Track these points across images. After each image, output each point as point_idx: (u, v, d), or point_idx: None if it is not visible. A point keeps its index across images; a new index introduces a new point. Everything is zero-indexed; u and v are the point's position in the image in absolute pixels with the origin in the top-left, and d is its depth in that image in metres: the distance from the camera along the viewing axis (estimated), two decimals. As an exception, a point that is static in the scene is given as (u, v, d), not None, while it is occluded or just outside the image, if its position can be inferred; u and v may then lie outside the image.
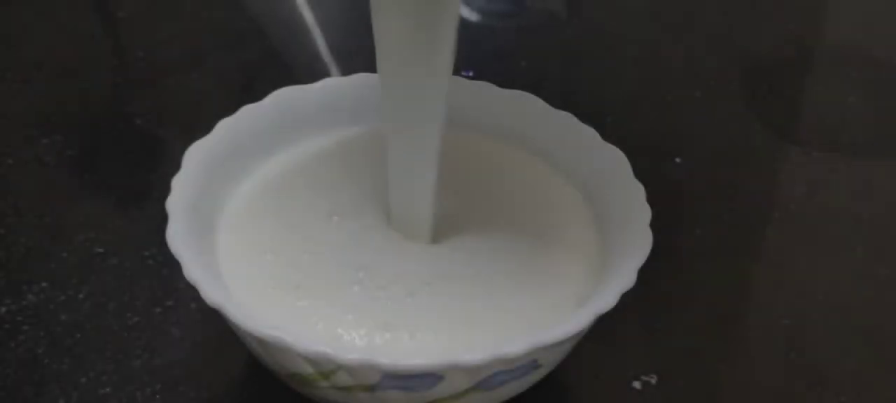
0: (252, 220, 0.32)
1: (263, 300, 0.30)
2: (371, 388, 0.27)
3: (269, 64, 0.51)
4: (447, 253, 0.32)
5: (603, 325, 0.28)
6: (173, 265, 0.28)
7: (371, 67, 0.35)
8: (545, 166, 0.35)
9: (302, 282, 0.30)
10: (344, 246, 0.32)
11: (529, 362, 0.27)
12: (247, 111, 0.34)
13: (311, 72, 0.50)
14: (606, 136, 0.34)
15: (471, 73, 0.47)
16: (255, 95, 0.34)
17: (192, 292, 0.27)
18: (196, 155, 0.32)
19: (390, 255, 0.31)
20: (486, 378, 0.27)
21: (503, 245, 0.32)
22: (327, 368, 0.26)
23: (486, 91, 0.36)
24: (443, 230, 0.32)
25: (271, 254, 0.31)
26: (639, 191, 0.31)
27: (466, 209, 0.33)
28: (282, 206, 0.33)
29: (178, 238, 0.28)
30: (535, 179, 0.34)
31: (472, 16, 0.56)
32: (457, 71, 0.37)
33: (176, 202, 0.30)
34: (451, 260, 0.31)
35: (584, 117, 0.35)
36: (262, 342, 0.26)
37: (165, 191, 0.30)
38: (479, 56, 0.53)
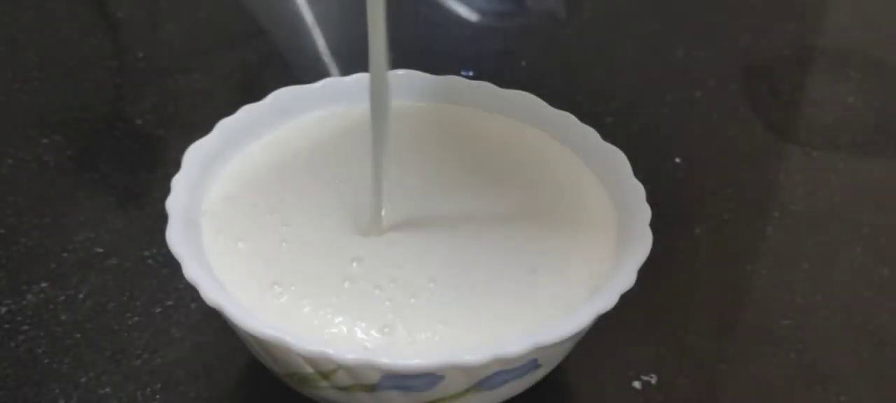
0: (229, 203, 0.32)
1: (241, 294, 0.29)
2: (371, 388, 0.27)
3: (269, 64, 0.51)
4: (452, 243, 0.31)
5: (603, 325, 0.28)
6: (173, 265, 0.28)
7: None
8: (573, 156, 0.34)
9: (281, 278, 0.29)
10: (333, 235, 0.31)
11: (529, 362, 0.27)
12: (246, 111, 0.34)
13: (311, 71, 0.50)
14: (606, 136, 0.34)
15: (471, 73, 0.47)
16: (255, 95, 0.34)
17: (191, 292, 0.27)
18: (196, 155, 0.32)
19: (388, 246, 0.31)
20: (486, 378, 0.27)
21: (519, 238, 0.31)
22: (327, 368, 0.26)
23: (486, 90, 0.36)
24: (455, 218, 0.32)
25: (243, 242, 0.30)
26: (639, 191, 0.31)
27: (480, 193, 0.33)
28: (262, 189, 0.32)
29: (177, 238, 0.28)
30: (559, 168, 0.34)
31: (471, 16, 0.56)
32: (457, 70, 0.37)
33: (175, 202, 0.30)
34: (457, 254, 0.30)
35: (584, 117, 0.35)
36: (261, 341, 0.26)
37: (165, 190, 0.30)
38: (479, 56, 0.53)
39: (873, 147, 0.47)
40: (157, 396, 0.32)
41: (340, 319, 0.28)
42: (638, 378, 0.33)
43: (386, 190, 0.31)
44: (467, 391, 0.27)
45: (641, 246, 0.29)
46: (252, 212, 0.31)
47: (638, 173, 0.32)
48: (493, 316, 0.29)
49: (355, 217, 0.32)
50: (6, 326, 0.34)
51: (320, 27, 0.54)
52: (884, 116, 0.50)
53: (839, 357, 0.35)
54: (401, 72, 0.36)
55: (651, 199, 0.31)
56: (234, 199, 0.32)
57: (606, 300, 0.27)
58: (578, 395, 0.33)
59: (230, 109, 0.34)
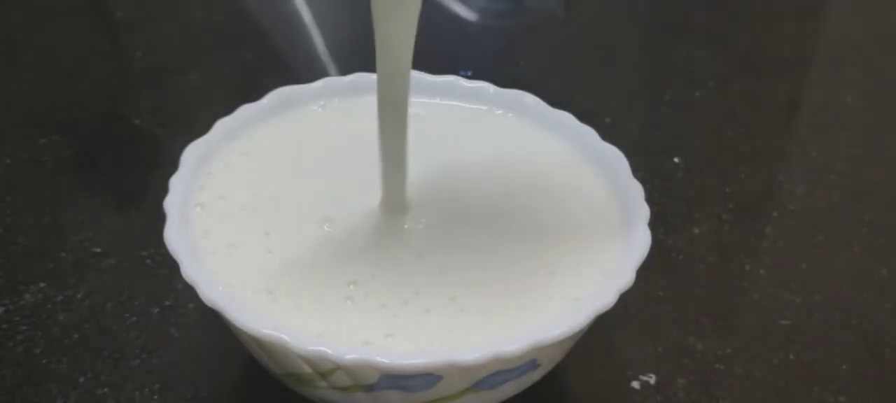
0: (221, 203, 0.31)
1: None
2: (369, 388, 0.27)
3: (268, 64, 0.51)
4: (467, 254, 0.30)
5: (602, 325, 0.28)
6: (171, 265, 0.28)
7: (369, 66, 0.36)
8: (573, 157, 0.34)
9: (274, 287, 0.29)
10: (328, 249, 0.30)
11: (528, 362, 0.27)
12: (245, 110, 0.34)
13: (310, 71, 0.50)
14: (606, 136, 0.34)
15: (469, 73, 0.47)
16: (254, 95, 0.34)
17: (190, 292, 0.27)
18: (194, 155, 0.32)
19: (392, 263, 0.30)
20: (485, 378, 0.27)
21: (532, 241, 0.31)
22: (325, 368, 0.26)
23: (485, 90, 0.36)
24: (461, 223, 0.31)
25: (233, 247, 0.30)
26: (638, 190, 0.31)
27: (482, 195, 0.33)
28: (254, 189, 0.32)
29: (175, 238, 0.28)
30: (559, 169, 0.34)
31: (471, 15, 0.56)
32: (456, 70, 0.37)
33: (174, 202, 0.29)
34: (474, 265, 0.30)
35: (584, 117, 0.35)
36: (260, 342, 0.26)
37: (163, 190, 0.30)
38: (478, 56, 0.53)
39: (872, 147, 0.47)
40: (155, 396, 0.32)
41: (338, 325, 0.28)
42: (636, 379, 0.33)
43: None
44: (466, 391, 0.27)
45: (640, 245, 0.29)
46: (240, 214, 0.31)
47: (637, 173, 0.32)
48: (511, 321, 0.28)
49: (356, 220, 0.31)
50: (4, 326, 0.34)
51: (318, 27, 0.54)
52: (883, 116, 0.50)
53: (838, 357, 0.35)
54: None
55: (650, 199, 0.31)
56: (226, 199, 0.31)
57: (605, 299, 0.27)
58: (577, 395, 0.33)
59: (228, 109, 0.34)
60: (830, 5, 0.63)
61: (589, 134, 0.34)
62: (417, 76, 0.36)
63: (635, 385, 0.33)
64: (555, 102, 0.35)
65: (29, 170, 0.41)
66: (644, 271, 0.29)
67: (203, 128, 0.33)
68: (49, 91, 0.47)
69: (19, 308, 0.35)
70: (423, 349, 0.27)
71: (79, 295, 0.35)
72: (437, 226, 0.31)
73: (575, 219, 0.32)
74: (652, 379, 0.33)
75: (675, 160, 0.44)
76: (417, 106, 0.36)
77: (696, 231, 0.40)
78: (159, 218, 0.29)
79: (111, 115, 0.46)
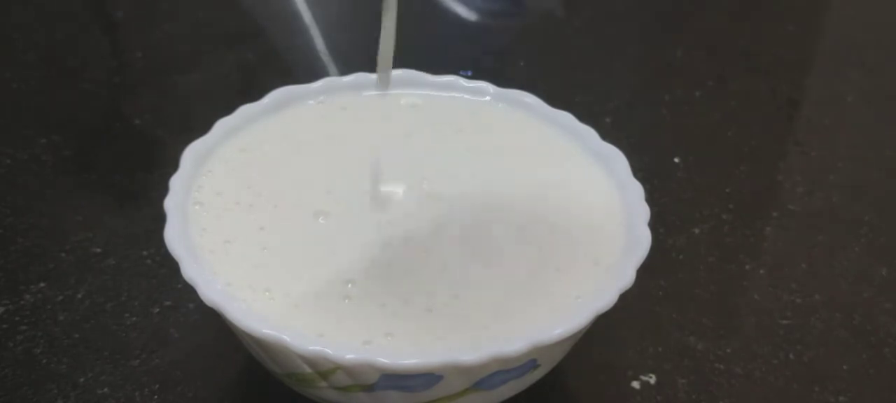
0: (217, 199, 0.31)
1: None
2: (369, 388, 0.27)
3: (268, 64, 0.51)
4: (471, 253, 0.30)
5: (602, 325, 0.28)
6: (171, 265, 0.28)
7: (368, 66, 0.36)
8: (573, 156, 0.34)
9: (272, 285, 0.29)
10: (325, 244, 0.30)
11: (528, 361, 0.27)
12: (245, 110, 0.34)
13: (310, 71, 0.50)
14: (606, 136, 0.34)
15: (470, 73, 0.47)
16: (254, 95, 0.34)
17: (190, 292, 0.27)
18: (194, 155, 0.32)
19: (392, 259, 0.30)
20: (485, 378, 0.27)
21: (536, 240, 0.31)
22: (325, 368, 0.26)
23: (485, 90, 0.36)
24: (467, 223, 0.31)
25: (231, 244, 0.30)
26: (638, 190, 0.31)
27: (485, 195, 0.33)
28: (253, 185, 0.32)
29: (175, 238, 0.28)
30: (559, 169, 0.34)
31: (470, 15, 0.56)
32: (456, 70, 0.37)
33: (173, 202, 0.29)
34: (478, 265, 0.30)
35: (584, 117, 0.35)
36: (260, 342, 0.26)
37: (163, 190, 0.30)
38: (478, 55, 0.53)
39: (872, 147, 0.47)
40: (156, 396, 0.32)
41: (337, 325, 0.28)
42: (637, 378, 0.33)
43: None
44: (466, 391, 0.27)
45: (640, 245, 0.29)
46: (235, 209, 0.31)
47: (637, 173, 0.32)
48: (512, 320, 0.28)
49: (353, 214, 0.31)
50: (4, 326, 0.34)
51: (318, 27, 0.54)
52: (883, 116, 0.50)
53: (837, 357, 0.35)
54: (399, 71, 0.36)
55: (650, 199, 0.31)
56: (222, 195, 0.31)
57: (605, 299, 0.27)
58: (577, 395, 0.33)
59: (228, 109, 0.34)
60: (830, 5, 0.63)
61: (589, 134, 0.34)
62: (418, 76, 0.36)
63: (635, 385, 0.33)
64: (555, 102, 0.35)
65: (29, 170, 0.41)
66: (644, 271, 0.29)
67: (203, 128, 0.33)
68: (49, 91, 0.47)
69: (19, 308, 0.35)
70: (424, 349, 0.27)
71: (79, 296, 0.35)
72: (438, 221, 0.31)
73: (575, 219, 0.32)
74: (652, 379, 0.33)
75: (675, 160, 0.44)
76: (417, 98, 0.36)
77: (696, 231, 0.40)
78: (159, 219, 0.29)
79: (111, 115, 0.46)
